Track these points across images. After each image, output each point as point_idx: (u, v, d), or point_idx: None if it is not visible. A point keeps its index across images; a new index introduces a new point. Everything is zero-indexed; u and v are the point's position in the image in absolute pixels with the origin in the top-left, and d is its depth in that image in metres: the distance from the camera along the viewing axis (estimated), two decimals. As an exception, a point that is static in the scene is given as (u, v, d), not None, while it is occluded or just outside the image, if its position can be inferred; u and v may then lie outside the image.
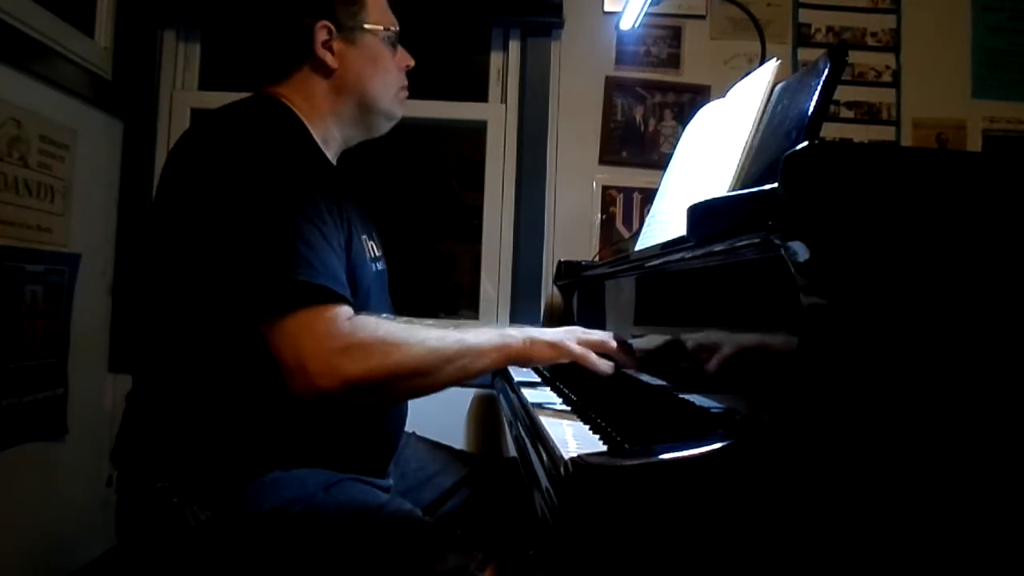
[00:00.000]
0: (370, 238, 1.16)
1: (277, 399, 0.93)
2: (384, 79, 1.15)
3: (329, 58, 1.09)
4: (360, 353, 0.85)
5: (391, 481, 1.13)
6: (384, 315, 0.94)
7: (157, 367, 0.99)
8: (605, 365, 1.00)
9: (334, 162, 1.17)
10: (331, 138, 1.14)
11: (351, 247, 1.00)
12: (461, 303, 3.01)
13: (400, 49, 1.20)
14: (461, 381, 0.94)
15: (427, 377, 0.90)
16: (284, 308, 0.85)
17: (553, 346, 0.99)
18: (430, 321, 0.99)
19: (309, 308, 0.85)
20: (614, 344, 1.05)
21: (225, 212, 0.90)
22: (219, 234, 0.90)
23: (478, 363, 0.93)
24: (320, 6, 1.09)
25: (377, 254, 1.17)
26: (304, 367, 0.83)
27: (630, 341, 1.14)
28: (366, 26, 1.13)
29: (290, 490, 0.92)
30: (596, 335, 1.04)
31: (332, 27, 1.09)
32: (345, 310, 0.88)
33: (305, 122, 1.08)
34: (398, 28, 1.18)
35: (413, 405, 1.17)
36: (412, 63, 1.22)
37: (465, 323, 1.05)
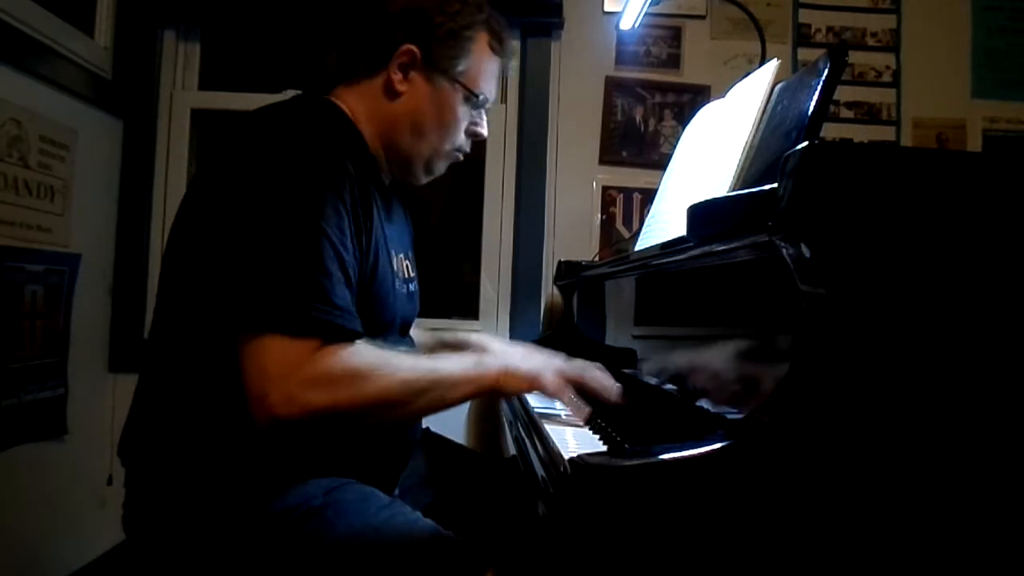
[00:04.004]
0: (406, 258, 1.12)
1: None
2: (442, 131, 1.09)
3: (398, 80, 1.05)
4: (328, 382, 0.82)
5: (396, 492, 1.11)
6: (363, 341, 0.89)
7: (166, 366, 0.97)
8: (577, 408, 0.94)
9: (385, 179, 1.13)
10: (379, 156, 1.10)
11: (377, 269, 0.97)
12: (461, 303, 3.01)
13: (481, 116, 1.13)
14: (434, 412, 0.91)
15: (396, 409, 0.87)
16: (261, 326, 0.81)
17: (528, 380, 0.94)
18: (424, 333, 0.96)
19: (287, 334, 0.81)
20: (591, 379, 0.97)
21: (239, 216, 0.86)
22: (232, 238, 0.86)
23: (450, 394, 0.90)
24: (418, 31, 1.04)
25: (410, 275, 1.14)
26: (265, 395, 0.80)
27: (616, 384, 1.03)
28: (455, 76, 1.07)
29: (293, 494, 0.91)
30: (574, 369, 0.97)
31: (418, 55, 1.04)
32: (338, 346, 0.84)
33: (362, 131, 1.05)
34: (489, 101, 1.12)
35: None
36: (484, 135, 1.15)
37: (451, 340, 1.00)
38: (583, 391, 0.96)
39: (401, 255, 1.11)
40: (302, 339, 0.82)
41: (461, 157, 1.15)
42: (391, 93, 1.06)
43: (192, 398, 0.94)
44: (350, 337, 0.86)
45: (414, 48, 1.04)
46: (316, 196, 0.87)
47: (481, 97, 1.10)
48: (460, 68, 1.07)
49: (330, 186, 0.89)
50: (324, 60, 1.14)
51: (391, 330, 0.99)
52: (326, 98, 1.05)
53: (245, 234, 0.85)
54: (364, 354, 0.86)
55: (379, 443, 1.05)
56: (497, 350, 1.23)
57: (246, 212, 0.86)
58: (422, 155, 1.10)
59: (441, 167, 1.14)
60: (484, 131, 1.15)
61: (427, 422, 1.24)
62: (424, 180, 1.15)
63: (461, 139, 1.12)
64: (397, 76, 1.05)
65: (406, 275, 1.11)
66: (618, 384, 0.97)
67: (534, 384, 0.94)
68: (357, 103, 1.06)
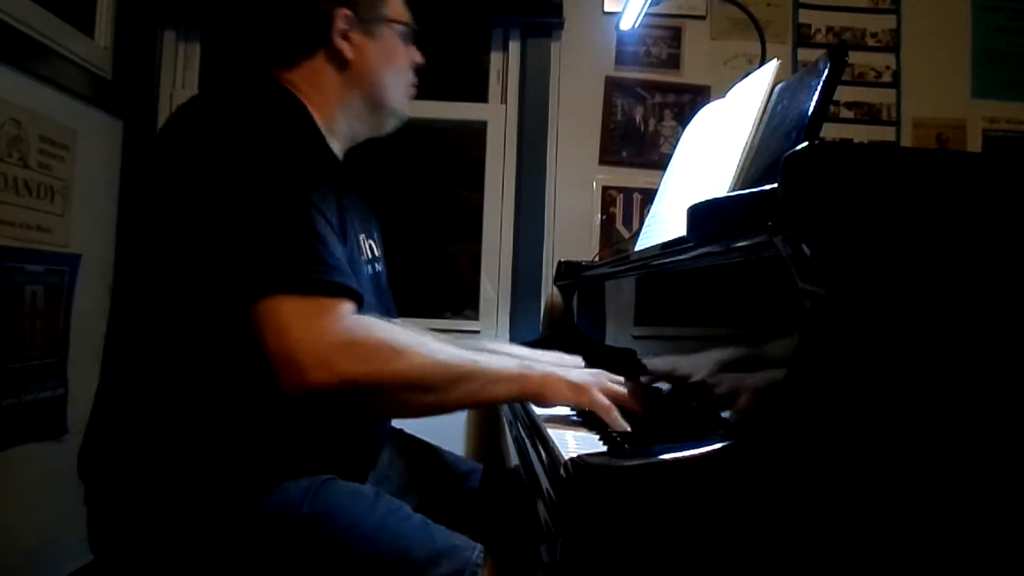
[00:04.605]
0: (369, 237, 1.12)
1: (253, 406, 0.87)
2: (397, 75, 1.12)
3: (346, 48, 1.04)
4: (362, 351, 0.78)
5: (369, 486, 1.06)
6: (387, 319, 0.87)
7: (130, 371, 0.93)
8: (623, 423, 0.88)
9: (340, 156, 1.12)
10: (338, 131, 1.09)
11: (346, 244, 0.95)
12: (461, 303, 3.01)
13: (412, 46, 1.16)
14: (470, 406, 0.88)
15: (432, 394, 0.83)
16: (275, 287, 0.79)
17: (576, 389, 0.88)
18: (443, 335, 0.89)
19: (304, 294, 0.79)
20: (635, 404, 0.93)
21: (225, 199, 0.83)
22: (216, 223, 0.83)
23: (490, 390, 0.85)
24: None
25: (375, 255, 1.13)
26: (295, 358, 0.76)
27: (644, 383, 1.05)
28: (386, 19, 1.09)
29: (272, 503, 0.86)
30: (622, 389, 0.93)
31: (352, 16, 1.05)
32: (350, 305, 0.83)
33: (311, 111, 1.03)
34: (415, 25, 1.15)
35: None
36: (422, 61, 1.17)
37: (482, 342, 0.94)
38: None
39: (363, 235, 1.09)
40: (315, 297, 0.80)
41: (415, 91, 1.18)
42: (340, 63, 1.06)
43: (158, 402, 0.89)
44: (354, 296, 0.83)
45: (346, 11, 1.04)
46: (295, 170, 0.86)
47: (410, 24, 1.13)
48: (386, 10, 1.09)
49: (305, 161, 0.88)
50: (250, 51, 1.11)
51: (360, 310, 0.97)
52: (275, 81, 1.03)
53: (232, 213, 0.83)
54: (400, 329, 0.84)
55: (349, 436, 1.01)
56: (523, 355, 1.20)
57: (228, 192, 0.83)
58: (389, 105, 1.12)
59: (405, 109, 1.16)
60: (420, 56, 1.17)
61: (415, 423, 1.21)
62: (393, 126, 1.17)
63: (411, 73, 1.15)
64: (343, 44, 1.05)
65: (370, 255, 1.10)
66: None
67: (581, 396, 0.88)
68: (305, 83, 1.04)
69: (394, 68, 1.11)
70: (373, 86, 1.09)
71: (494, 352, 0.92)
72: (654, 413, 0.98)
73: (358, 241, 1.05)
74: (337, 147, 1.11)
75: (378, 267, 1.13)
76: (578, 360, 1.17)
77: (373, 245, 1.13)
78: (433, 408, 0.86)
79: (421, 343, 0.83)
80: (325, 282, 0.81)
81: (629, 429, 0.87)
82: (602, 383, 0.91)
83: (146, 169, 0.95)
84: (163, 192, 0.91)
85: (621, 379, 0.96)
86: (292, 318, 0.78)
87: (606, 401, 0.88)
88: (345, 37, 1.05)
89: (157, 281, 0.90)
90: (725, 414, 0.81)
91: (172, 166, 0.90)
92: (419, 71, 1.20)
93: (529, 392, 0.88)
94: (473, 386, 0.84)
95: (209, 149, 0.86)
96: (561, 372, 0.90)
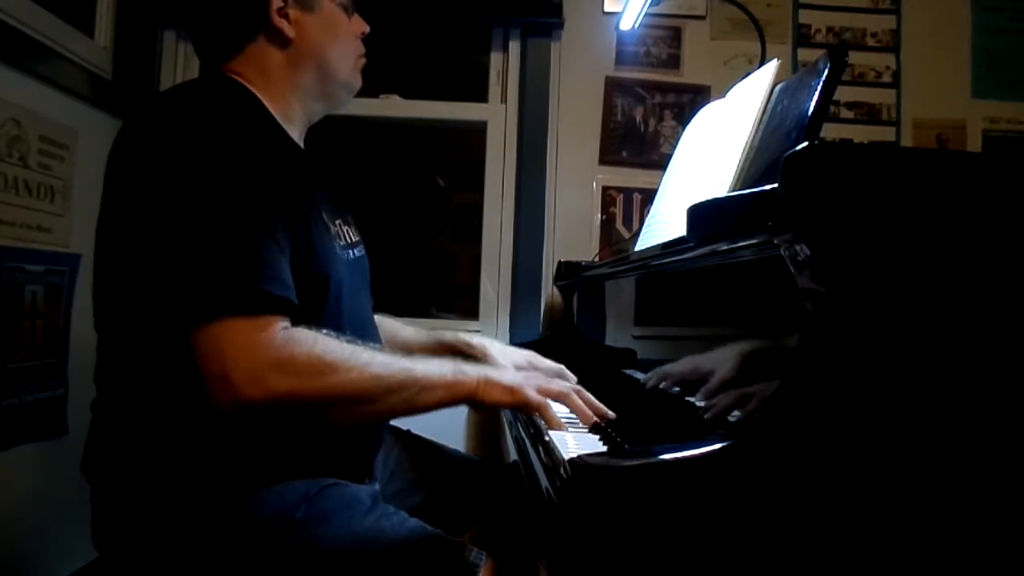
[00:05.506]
0: (345, 223, 1.10)
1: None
2: (343, 48, 1.09)
3: (286, 27, 1.02)
4: (293, 367, 0.79)
5: (377, 486, 1.07)
6: (326, 331, 0.86)
7: (121, 377, 0.94)
8: (559, 423, 0.89)
9: (300, 141, 1.10)
10: (294, 115, 1.07)
11: (312, 236, 0.95)
12: (461, 303, 3.01)
13: (356, 16, 1.13)
14: (405, 415, 0.89)
15: (365, 405, 0.84)
16: (211, 313, 0.79)
17: (509, 391, 0.89)
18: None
19: (239, 315, 0.79)
20: (576, 399, 0.93)
21: (163, 207, 0.83)
22: (161, 232, 0.83)
23: (423, 397, 0.86)
24: None
25: (353, 240, 1.11)
26: (228, 375, 0.77)
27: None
28: None
29: (271, 503, 0.87)
30: (557, 386, 0.94)
31: None
32: (281, 320, 0.82)
33: (263, 100, 1.02)
34: None
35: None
36: (367, 29, 1.15)
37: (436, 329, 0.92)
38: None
39: (338, 221, 1.08)
40: (250, 316, 0.80)
41: (365, 61, 1.16)
42: (282, 43, 1.03)
43: (152, 406, 0.91)
44: (290, 307, 0.84)
45: None
46: (243, 176, 0.85)
47: None
48: None
49: (255, 162, 0.87)
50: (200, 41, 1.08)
51: (338, 295, 0.96)
52: (224, 75, 1.02)
53: (175, 227, 0.83)
54: (331, 343, 0.84)
55: (344, 439, 1.01)
56: (495, 354, 1.21)
57: (175, 203, 0.83)
58: (338, 80, 1.10)
59: (356, 81, 1.14)
60: (365, 25, 1.15)
61: (416, 423, 1.21)
62: (347, 100, 1.15)
63: (358, 43, 1.13)
64: (283, 23, 1.02)
65: (347, 240, 1.09)
66: (601, 410, 0.94)
67: (516, 396, 0.89)
68: (252, 71, 1.02)
69: (338, 40, 1.09)
70: (319, 61, 1.06)
71: (467, 344, 0.94)
72: (654, 412, 0.98)
73: (333, 227, 1.04)
74: (296, 133, 1.09)
75: (357, 252, 1.12)
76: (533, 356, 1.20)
77: (350, 231, 1.12)
78: (367, 418, 0.88)
79: (355, 355, 0.84)
80: (261, 297, 0.81)
81: (565, 428, 0.88)
82: (536, 382, 0.92)
83: (107, 175, 0.94)
84: (119, 202, 0.91)
85: (564, 379, 0.95)
86: (228, 339, 0.79)
87: (538, 398, 0.90)
88: (283, 15, 1.02)
89: (131, 286, 0.90)
90: (725, 414, 0.81)
91: (124, 175, 0.90)
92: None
93: (463, 397, 0.88)
94: (405, 395, 0.85)
95: (153, 158, 0.86)
96: (495, 375, 0.91)
